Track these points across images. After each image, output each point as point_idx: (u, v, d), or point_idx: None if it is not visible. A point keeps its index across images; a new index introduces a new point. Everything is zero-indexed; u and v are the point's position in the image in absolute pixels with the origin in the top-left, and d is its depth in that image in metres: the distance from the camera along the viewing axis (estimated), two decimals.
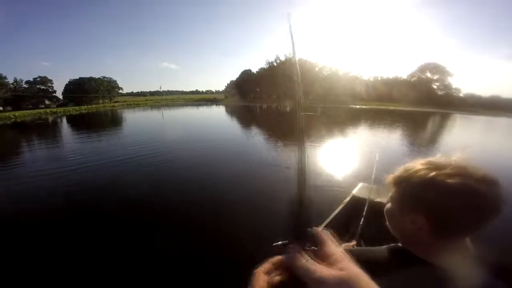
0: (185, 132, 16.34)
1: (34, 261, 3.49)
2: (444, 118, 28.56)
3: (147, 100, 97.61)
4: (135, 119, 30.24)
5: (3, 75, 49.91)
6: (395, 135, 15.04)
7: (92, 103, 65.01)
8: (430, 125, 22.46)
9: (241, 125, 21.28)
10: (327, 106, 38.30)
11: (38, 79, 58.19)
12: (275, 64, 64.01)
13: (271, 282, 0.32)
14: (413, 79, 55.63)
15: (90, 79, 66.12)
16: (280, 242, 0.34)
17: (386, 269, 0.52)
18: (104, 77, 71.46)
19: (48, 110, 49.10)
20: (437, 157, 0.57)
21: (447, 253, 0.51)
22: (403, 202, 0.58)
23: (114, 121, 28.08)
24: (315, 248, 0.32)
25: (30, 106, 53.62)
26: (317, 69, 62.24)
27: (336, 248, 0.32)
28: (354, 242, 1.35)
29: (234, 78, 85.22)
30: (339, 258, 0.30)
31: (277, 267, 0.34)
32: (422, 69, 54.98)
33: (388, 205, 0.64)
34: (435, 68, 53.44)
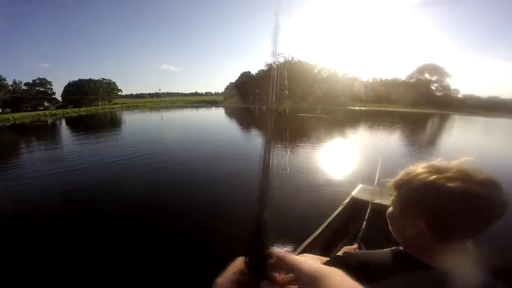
0: (184, 134, 16.32)
1: (34, 261, 3.46)
2: (443, 119, 28.61)
3: (146, 102, 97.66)
4: (134, 121, 30.21)
5: (2, 77, 50.00)
6: (395, 136, 15.05)
7: (91, 105, 64.95)
8: (430, 126, 22.48)
9: (240, 126, 21.28)
10: (326, 108, 38.37)
11: (37, 81, 58.23)
12: (274, 66, 63.97)
13: None
14: (411, 80, 55.85)
15: (89, 81, 66.18)
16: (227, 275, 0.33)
17: (387, 273, 0.53)
18: (104, 79, 71.65)
19: (47, 112, 48.99)
20: (439, 161, 0.56)
21: (449, 257, 0.51)
22: (404, 205, 0.58)
23: (113, 123, 28.03)
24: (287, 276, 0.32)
25: (29, 108, 53.60)
26: (316, 70, 62.45)
27: (302, 258, 0.32)
28: (355, 245, 1.34)
29: (233, 80, 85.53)
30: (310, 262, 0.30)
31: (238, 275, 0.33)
32: (421, 70, 55.24)
33: (390, 209, 0.64)
34: (434, 69, 53.69)
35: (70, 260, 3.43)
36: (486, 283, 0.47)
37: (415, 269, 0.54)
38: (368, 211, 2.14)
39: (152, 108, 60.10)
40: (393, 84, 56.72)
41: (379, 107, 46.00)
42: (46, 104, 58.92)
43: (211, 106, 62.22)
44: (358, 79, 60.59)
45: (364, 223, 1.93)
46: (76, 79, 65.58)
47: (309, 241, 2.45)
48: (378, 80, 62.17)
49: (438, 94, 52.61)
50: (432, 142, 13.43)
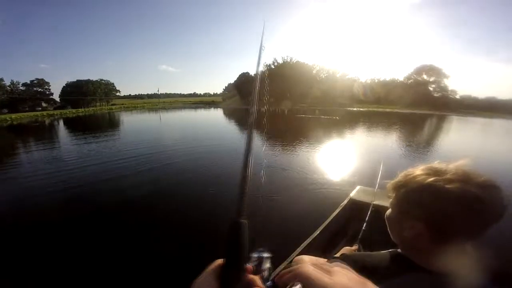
0: (183, 135, 16.29)
1: (33, 261, 3.43)
2: (441, 120, 28.77)
3: (145, 103, 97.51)
4: (132, 122, 30.14)
5: (0, 77, 49.72)
6: (393, 137, 15.11)
7: (90, 105, 64.81)
8: (427, 127, 22.59)
9: (239, 127, 21.26)
10: (325, 109, 38.46)
11: (35, 82, 57.99)
12: (272, 67, 64.31)
13: None
14: (409, 81, 56.18)
15: (88, 81, 66.02)
16: None
17: (383, 275, 0.52)
18: (102, 79, 71.54)
19: (45, 113, 48.77)
20: (437, 163, 0.56)
21: (447, 259, 0.51)
22: (402, 207, 0.58)
23: (111, 124, 27.94)
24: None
25: (27, 109, 53.38)
26: (314, 71, 62.62)
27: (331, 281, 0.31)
28: (355, 247, 1.33)
29: (232, 81, 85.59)
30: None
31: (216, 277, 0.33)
32: (419, 71, 55.59)
33: (389, 211, 0.64)
34: (431, 70, 54.01)
35: (70, 260, 3.41)
36: (484, 287, 0.46)
37: (412, 271, 0.53)
38: (368, 212, 2.14)
39: (150, 109, 59.99)
40: (391, 85, 57.03)
41: (377, 108, 46.20)
42: (44, 104, 58.71)
43: (209, 107, 62.21)
44: (357, 80, 60.91)
45: (364, 224, 1.93)
46: (74, 80, 65.56)
47: (308, 241, 2.47)
48: (376, 81, 62.45)
49: (436, 95, 52.92)
50: (430, 143, 13.49)
